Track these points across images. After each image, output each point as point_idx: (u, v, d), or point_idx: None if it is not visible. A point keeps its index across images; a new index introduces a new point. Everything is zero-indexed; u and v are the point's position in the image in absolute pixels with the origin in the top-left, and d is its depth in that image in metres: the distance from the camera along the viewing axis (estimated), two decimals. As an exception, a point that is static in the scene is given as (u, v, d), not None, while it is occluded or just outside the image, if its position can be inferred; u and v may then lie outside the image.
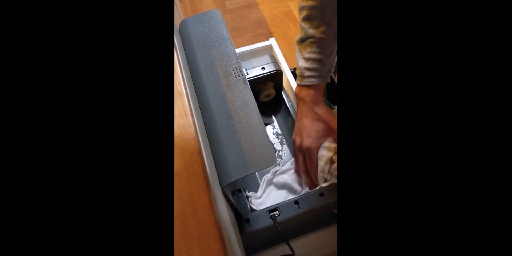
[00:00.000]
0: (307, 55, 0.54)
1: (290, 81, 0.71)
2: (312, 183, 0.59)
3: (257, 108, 0.45)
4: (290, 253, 0.49)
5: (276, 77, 0.69)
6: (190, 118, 0.41)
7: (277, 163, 0.68)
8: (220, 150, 0.43)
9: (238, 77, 0.48)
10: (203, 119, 0.47)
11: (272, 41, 0.76)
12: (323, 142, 0.56)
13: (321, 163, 0.55)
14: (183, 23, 0.57)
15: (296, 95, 0.58)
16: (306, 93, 0.56)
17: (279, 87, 0.72)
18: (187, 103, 0.43)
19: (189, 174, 0.36)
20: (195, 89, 0.50)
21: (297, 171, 0.61)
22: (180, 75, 0.46)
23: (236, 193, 0.54)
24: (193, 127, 0.41)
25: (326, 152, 0.55)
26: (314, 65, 0.53)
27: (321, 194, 0.52)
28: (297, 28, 1.78)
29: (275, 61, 0.68)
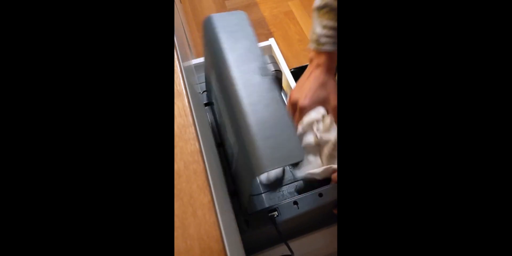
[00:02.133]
0: (325, 22, 0.55)
1: (289, 82, 0.71)
2: None
3: (286, 107, 0.45)
4: (289, 253, 0.49)
5: (276, 77, 0.69)
6: (190, 118, 0.41)
7: None
8: (252, 142, 0.42)
9: (266, 76, 0.48)
10: (228, 112, 0.46)
11: (271, 42, 0.77)
12: (316, 107, 0.59)
13: (304, 122, 0.60)
14: (208, 19, 0.56)
15: (311, 59, 0.59)
16: (323, 60, 0.57)
17: (278, 87, 0.72)
18: (187, 103, 0.43)
19: (189, 174, 0.36)
20: (221, 85, 0.49)
21: None
22: (180, 75, 0.46)
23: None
24: (193, 127, 0.41)
25: (315, 115, 0.60)
26: (331, 32, 0.55)
27: (320, 195, 0.52)
28: (297, 28, 1.78)
29: (274, 62, 0.68)
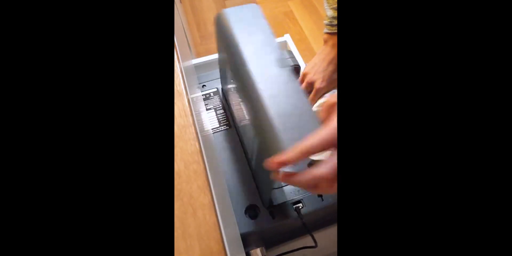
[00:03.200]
0: (335, 5, 0.57)
1: None
2: None
3: (306, 97, 0.44)
4: (313, 244, 0.50)
5: (294, 69, 0.69)
6: (190, 118, 0.41)
7: None
8: (273, 134, 0.41)
9: (284, 67, 0.47)
10: (249, 107, 0.46)
11: (287, 37, 0.77)
12: (331, 89, 0.61)
13: (317, 103, 0.61)
14: (221, 15, 0.55)
15: (325, 41, 0.61)
16: (337, 40, 0.59)
17: (297, 78, 0.73)
18: (187, 103, 0.43)
19: (189, 174, 0.36)
20: (239, 80, 0.49)
21: None
22: (180, 75, 0.46)
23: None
24: (193, 127, 0.41)
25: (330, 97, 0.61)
26: None
27: None
28: (297, 28, 1.78)
29: (293, 56, 0.68)
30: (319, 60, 0.61)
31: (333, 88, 0.61)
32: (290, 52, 0.69)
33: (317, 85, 0.59)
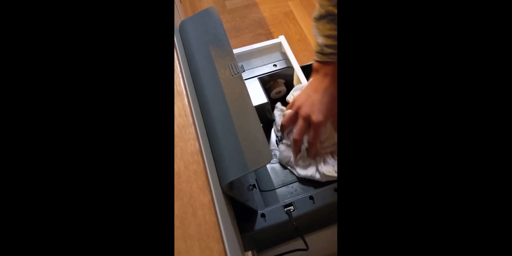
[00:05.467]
0: (326, 32, 0.54)
1: (300, 79, 0.71)
2: (297, 152, 0.60)
3: (253, 105, 0.45)
4: (304, 247, 0.49)
5: (287, 74, 0.69)
6: (190, 118, 0.41)
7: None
8: (219, 150, 0.43)
9: (234, 75, 0.48)
10: (203, 120, 0.47)
11: (281, 39, 0.76)
12: (328, 121, 0.58)
13: (322, 138, 0.58)
14: (182, 24, 0.57)
15: (316, 70, 0.58)
16: (331, 70, 0.56)
17: (289, 84, 0.72)
18: (187, 103, 0.43)
19: (189, 174, 0.36)
20: (195, 89, 0.50)
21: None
22: (180, 75, 0.46)
23: (251, 188, 0.53)
24: (193, 127, 0.41)
25: (329, 126, 0.59)
26: (334, 42, 0.54)
27: (336, 190, 0.52)
28: (297, 28, 1.78)
29: (286, 58, 0.68)
30: (311, 90, 0.57)
31: (330, 120, 0.58)
32: (284, 54, 0.69)
33: (315, 118, 0.54)
